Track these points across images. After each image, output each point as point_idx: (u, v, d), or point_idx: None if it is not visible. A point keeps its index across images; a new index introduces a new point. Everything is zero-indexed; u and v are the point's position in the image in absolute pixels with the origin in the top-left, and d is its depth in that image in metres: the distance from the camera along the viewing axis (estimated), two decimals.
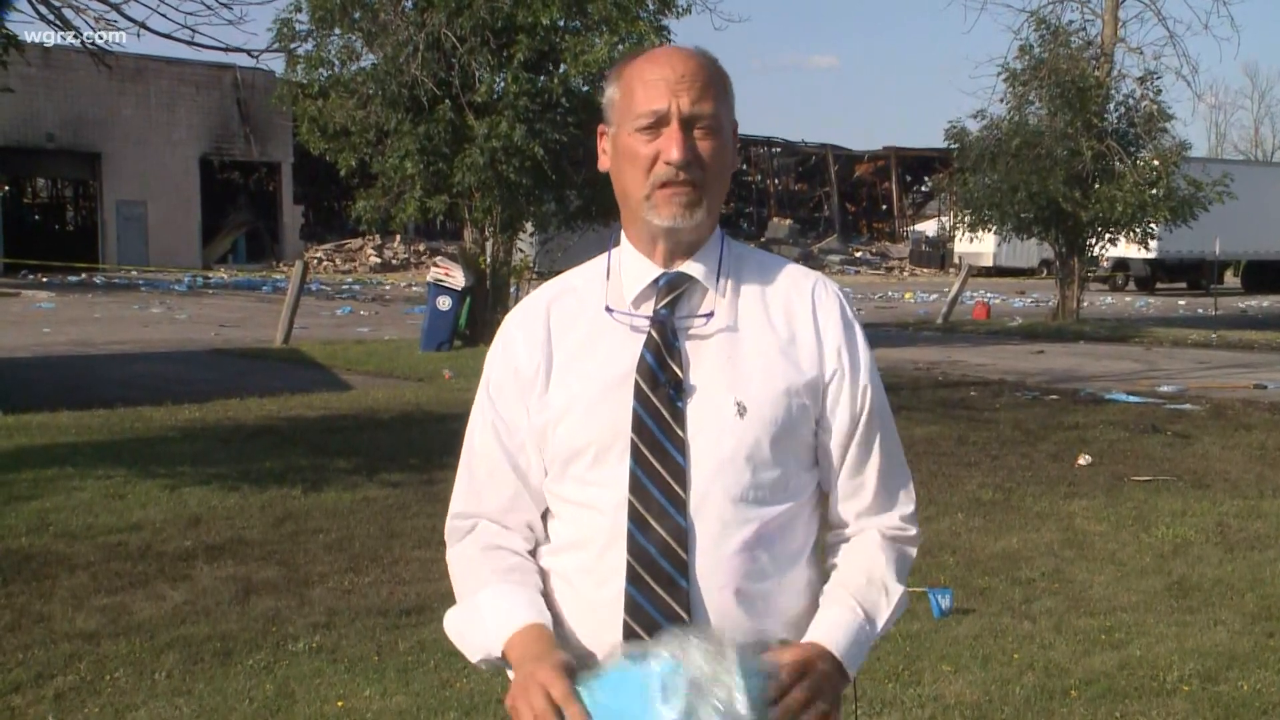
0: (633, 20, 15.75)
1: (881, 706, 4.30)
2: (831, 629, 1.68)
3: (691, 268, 1.75)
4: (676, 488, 1.67)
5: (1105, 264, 35.49)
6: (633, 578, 1.67)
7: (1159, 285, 39.27)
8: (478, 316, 17.41)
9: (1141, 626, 5.23)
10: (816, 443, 1.77)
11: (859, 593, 1.72)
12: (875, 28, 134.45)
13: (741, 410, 1.67)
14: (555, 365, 1.76)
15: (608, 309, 1.76)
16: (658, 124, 1.68)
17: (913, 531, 1.81)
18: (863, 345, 1.78)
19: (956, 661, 4.75)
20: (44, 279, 31.61)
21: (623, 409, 1.69)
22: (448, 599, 1.82)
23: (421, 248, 42.43)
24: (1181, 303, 34.08)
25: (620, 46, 15.50)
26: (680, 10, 16.64)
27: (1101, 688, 4.51)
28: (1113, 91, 24.62)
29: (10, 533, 6.39)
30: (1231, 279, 43.18)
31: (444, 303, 16.77)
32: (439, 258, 19.64)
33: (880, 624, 1.72)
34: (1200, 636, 5.11)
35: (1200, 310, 30.12)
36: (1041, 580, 5.94)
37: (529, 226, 18.71)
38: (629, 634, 1.67)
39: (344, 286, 33.62)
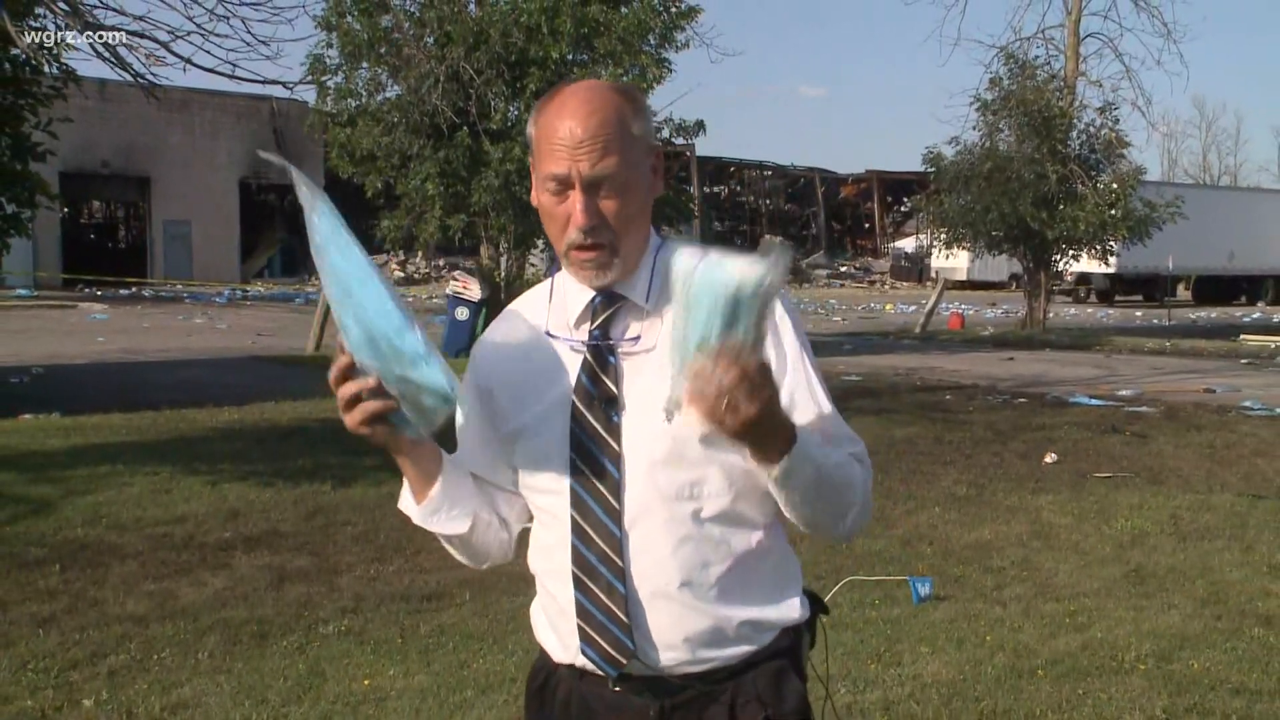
0: (636, 54, 15.79)
1: (864, 685, 4.29)
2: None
3: (624, 287, 1.66)
4: (611, 499, 1.63)
5: (1069, 278, 35.39)
6: (578, 584, 1.66)
7: (1118, 297, 39.22)
8: None
9: (1102, 610, 5.22)
10: None
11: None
12: (861, 61, 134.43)
13: (669, 415, 1.55)
14: (508, 389, 1.72)
15: (548, 333, 1.70)
16: (563, 187, 1.60)
17: (865, 461, 1.67)
18: (789, 336, 1.66)
19: (933, 644, 4.74)
20: (98, 292, 31.53)
21: (563, 428, 1.65)
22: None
23: (441, 263, 42.35)
24: (1138, 314, 34.03)
25: (625, 78, 15.55)
26: (680, 45, 16.67)
27: (1066, 667, 4.50)
28: (1075, 120, 24.65)
29: (67, 524, 6.40)
30: (1183, 292, 42.97)
31: (462, 313, 16.75)
32: (457, 272, 19.60)
33: (821, 456, 1.57)
34: (1155, 619, 5.10)
35: (1155, 320, 30.05)
36: (1011, 569, 5.93)
37: (540, 243, 18.73)
38: (583, 637, 1.66)
39: None
